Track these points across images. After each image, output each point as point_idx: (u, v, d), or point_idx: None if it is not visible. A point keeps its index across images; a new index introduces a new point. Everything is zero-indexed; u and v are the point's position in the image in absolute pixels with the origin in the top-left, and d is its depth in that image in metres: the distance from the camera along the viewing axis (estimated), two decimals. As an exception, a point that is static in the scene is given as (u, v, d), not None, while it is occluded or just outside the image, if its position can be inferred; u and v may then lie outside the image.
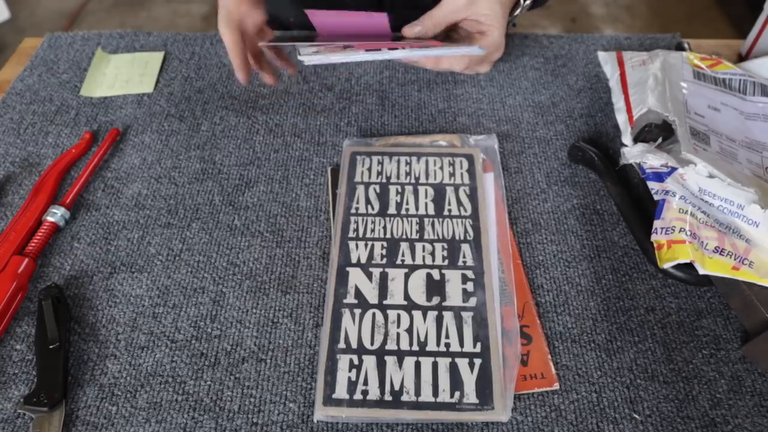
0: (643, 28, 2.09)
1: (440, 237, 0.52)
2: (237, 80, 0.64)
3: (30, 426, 0.42)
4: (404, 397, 0.43)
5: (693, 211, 0.48)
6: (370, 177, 0.56)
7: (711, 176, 0.49)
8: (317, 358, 0.46)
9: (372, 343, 0.45)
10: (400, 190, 0.55)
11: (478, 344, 0.45)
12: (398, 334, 0.46)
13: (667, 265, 0.47)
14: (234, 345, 0.47)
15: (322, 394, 0.43)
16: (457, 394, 0.43)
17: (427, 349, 0.45)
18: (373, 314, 0.47)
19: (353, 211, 0.53)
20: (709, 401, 0.44)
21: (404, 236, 0.52)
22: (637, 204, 0.53)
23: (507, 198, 0.56)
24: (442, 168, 0.57)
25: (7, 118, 0.64)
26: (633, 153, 0.53)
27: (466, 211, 0.53)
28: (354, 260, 0.50)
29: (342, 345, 0.45)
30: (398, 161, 0.57)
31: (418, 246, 0.51)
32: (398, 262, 0.50)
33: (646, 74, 0.59)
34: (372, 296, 0.48)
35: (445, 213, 0.53)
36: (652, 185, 0.51)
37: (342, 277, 0.49)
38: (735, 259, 0.45)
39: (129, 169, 0.59)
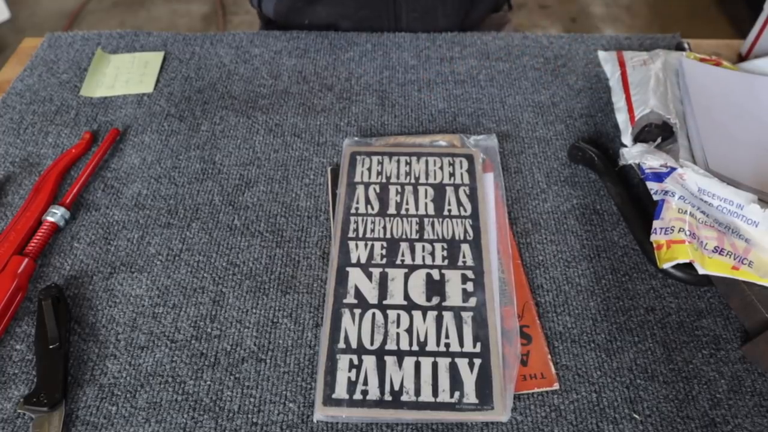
0: (643, 28, 2.09)
1: (440, 237, 0.52)
2: None
3: (30, 426, 0.42)
4: (404, 397, 0.43)
5: (692, 211, 0.48)
6: (370, 177, 0.56)
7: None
8: (317, 358, 0.46)
9: (372, 343, 0.45)
10: (400, 190, 0.55)
11: (478, 344, 0.45)
12: (398, 334, 0.46)
13: (666, 265, 0.47)
14: (234, 345, 0.47)
15: (322, 394, 0.43)
16: (456, 394, 0.43)
17: (427, 349, 0.45)
18: (373, 314, 0.47)
19: (353, 211, 0.53)
20: (709, 401, 0.44)
21: (404, 236, 0.52)
22: (637, 204, 0.53)
23: (507, 198, 0.56)
24: (442, 168, 0.57)
25: (7, 118, 0.64)
26: (632, 154, 0.53)
27: (466, 211, 0.53)
28: (354, 260, 0.50)
29: (342, 345, 0.45)
30: (398, 161, 0.57)
31: (418, 246, 0.51)
32: (398, 262, 0.50)
33: (647, 74, 0.59)
34: (372, 296, 0.48)
35: (445, 213, 0.53)
36: (652, 185, 0.51)
37: (342, 277, 0.49)
38: (735, 259, 0.45)
39: (129, 169, 0.59)
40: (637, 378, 0.45)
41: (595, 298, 0.49)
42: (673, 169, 0.50)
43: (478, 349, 0.45)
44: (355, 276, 0.49)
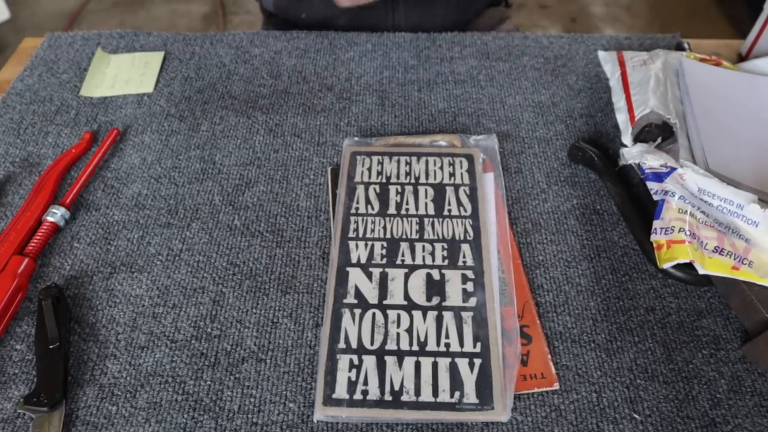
0: (643, 28, 2.09)
1: (440, 237, 0.52)
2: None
3: (30, 426, 0.42)
4: (404, 397, 0.43)
5: (692, 211, 0.48)
6: (370, 177, 0.56)
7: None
8: (317, 358, 0.46)
9: (372, 343, 0.45)
10: (400, 190, 0.55)
11: (478, 344, 0.45)
12: (398, 334, 0.46)
13: (666, 265, 0.47)
14: (234, 345, 0.47)
15: (322, 394, 0.43)
16: (457, 394, 0.43)
17: (427, 349, 0.45)
18: (373, 314, 0.47)
19: (353, 211, 0.53)
20: (709, 401, 0.44)
21: (404, 236, 0.52)
22: (637, 204, 0.53)
23: (507, 198, 0.56)
24: (442, 168, 0.57)
25: (7, 118, 0.64)
26: (632, 153, 0.53)
27: (466, 211, 0.53)
28: (354, 260, 0.50)
29: (342, 345, 0.45)
30: (398, 161, 0.57)
31: (418, 246, 0.51)
32: (398, 262, 0.50)
33: (647, 74, 0.59)
34: (372, 296, 0.48)
35: (445, 213, 0.53)
36: (652, 185, 0.51)
37: (342, 277, 0.49)
38: (734, 259, 0.45)
39: (129, 169, 0.59)
40: (637, 378, 0.45)
41: (595, 298, 0.49)
42: (673, 169, 0.50)
43: (478, 349, 0.45)
44: (355, 276, 0.49)
